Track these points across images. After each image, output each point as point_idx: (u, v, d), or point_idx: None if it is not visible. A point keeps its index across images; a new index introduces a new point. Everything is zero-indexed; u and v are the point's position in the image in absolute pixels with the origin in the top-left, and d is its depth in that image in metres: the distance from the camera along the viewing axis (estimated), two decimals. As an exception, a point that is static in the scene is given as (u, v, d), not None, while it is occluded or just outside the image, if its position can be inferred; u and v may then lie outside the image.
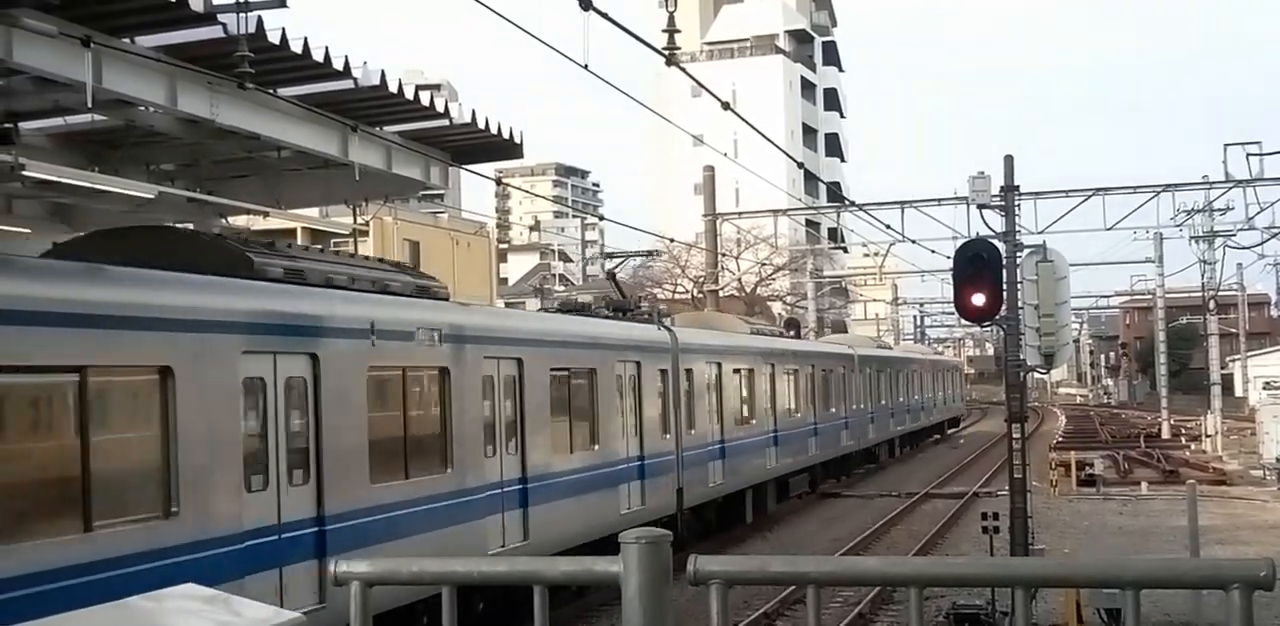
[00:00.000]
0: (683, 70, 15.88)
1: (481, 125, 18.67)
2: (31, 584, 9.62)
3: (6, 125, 13.84)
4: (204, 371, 11.61)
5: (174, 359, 11.25)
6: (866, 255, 68.65)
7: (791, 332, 41.57)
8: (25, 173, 13.42)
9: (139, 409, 11.28)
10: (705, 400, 25.60)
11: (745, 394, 28.82)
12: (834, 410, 37.42)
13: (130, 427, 11.25)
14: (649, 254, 51.43)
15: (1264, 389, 69.54)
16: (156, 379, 11.14)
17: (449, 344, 15.78)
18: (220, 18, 12.94)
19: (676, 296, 72.26)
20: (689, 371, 24.53)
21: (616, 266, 38.20)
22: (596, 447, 20.25)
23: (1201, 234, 52.63)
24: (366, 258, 17.43)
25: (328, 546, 13.07)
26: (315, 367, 13.16)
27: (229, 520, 11.80)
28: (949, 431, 66.90)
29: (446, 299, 17.15)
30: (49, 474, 10.36)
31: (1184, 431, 58.30)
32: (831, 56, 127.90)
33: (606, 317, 23.51)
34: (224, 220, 20.12)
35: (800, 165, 29.59)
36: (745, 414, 28.59)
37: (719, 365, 26.71)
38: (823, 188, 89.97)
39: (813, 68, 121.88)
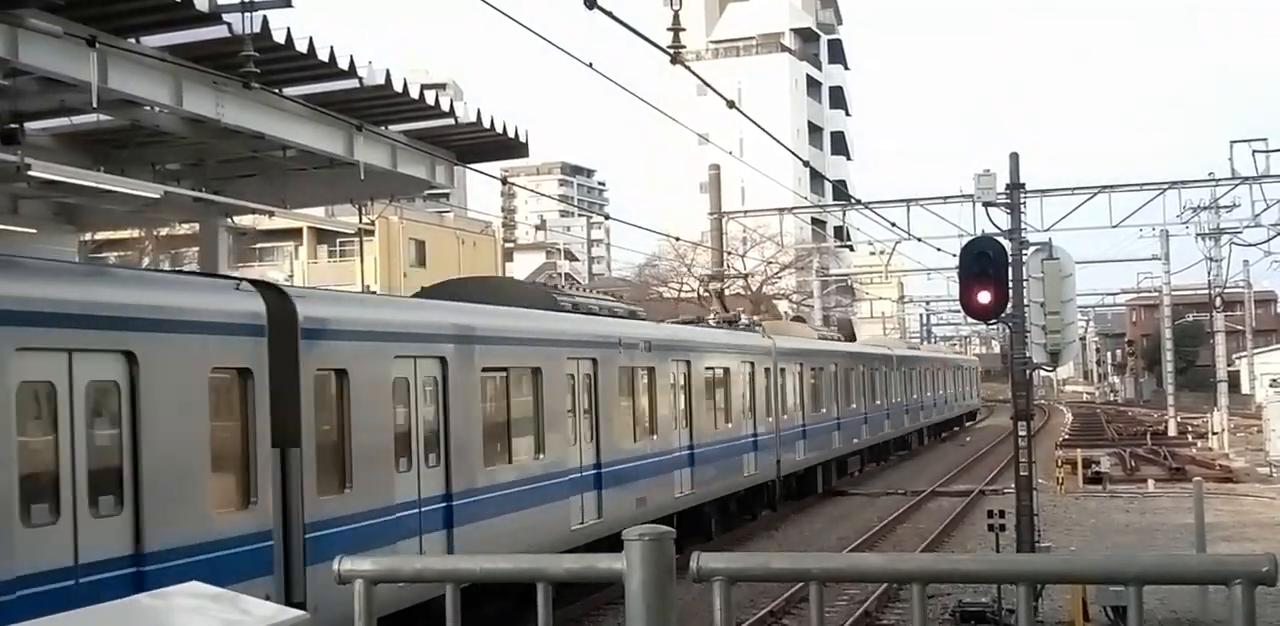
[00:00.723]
0: (688, 69, 15.87)
1: (487, 124, 18.68)
2: (500, 489, 16.85)
3: (12, 125, 13.86)
4: (553, 370, 18.72)
5: (542, 363, 18.43)
6: (872, 253, 68.77)
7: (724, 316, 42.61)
8: (31, 173, 13.43)
9: (526, 391, 18.25)
10: (794, 392, 32.61)
11: (819, 388, 35.53)
12: (879, 402, 43.63)
13: (524, 403, 18.25)
14: (745, 276, 56.51)
15: (1270, 386, 69.40)
16: (533, 374, 18.24)
17: (655, 351, 23.08)
18: (225, 17, 12.95)
19: (682, 295, 72.23)
20: (783, 370, 31.35)
21: (725, 285, 44.79)
22: (729, 426, 27.06)
23: (1208, 231, 52.62)
24: (590, 290, 25.94)
25: (603, 483, 20.41)
26: (595, 367, 20.29)
27: (562, 462, 18.97)
28: (967, 424, 71.38)
29: (645, 319, 25.32)
30: (502, 426, 17.64)
31: (1190, 429, 58.22)
32: (837, 54, 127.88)
33: (714, 328, 30.33)
34: (230, 220, 20.14)
35: (806, 163, 29.65)
36: (819, 404, 35.24)
37: (802, 364, 33.72)
38: (828, 186, 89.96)
39: (818, 66, 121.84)
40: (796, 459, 32.15)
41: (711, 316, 33.15)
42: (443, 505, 15.28)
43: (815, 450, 34.11)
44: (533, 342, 18.37)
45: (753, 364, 28.93)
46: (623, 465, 21.00)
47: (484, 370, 16.68)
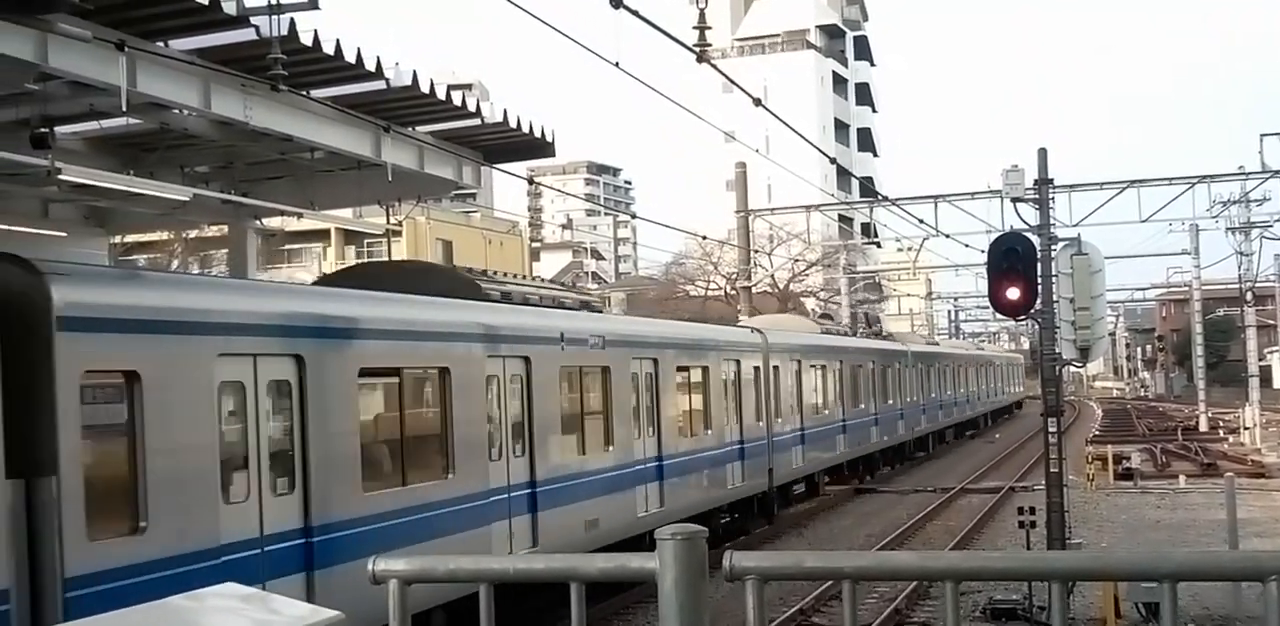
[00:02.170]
0: (714, 67, 15.89)
1: (513, 124, 18.70)
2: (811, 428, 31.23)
3: (43, 129, 13.94)
4: (835, 367, 34.12)
5: (845, 364, 35.13)
6: (900, 250, 68.41)
7: (868, 331, 46.75)
8: (61, 177, 13.53)
9: (821, 377, 32.93)
10: (922, 382, 46.20)
11: (934, 379, 48.86)
12: (963, 391, 58.33)
13: (820, 383, 32.86)
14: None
15: (1303, 381, 68.94)
16: (822, 369, 33.08)
17: (866, 356, 37.87)
18: (253, 20, 13.01)
19: (709, 293, 72.17)
20: (914, 367, 44.97)
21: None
22: (890, 402, 40.75)
23: (1238, 225, 52.21)
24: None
25: (847, 430, 34.34)
26: (840, 366, 33.89)
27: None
28: (1016, 411, 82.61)
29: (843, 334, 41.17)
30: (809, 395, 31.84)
31: (1222, 424, 57.90)
32: (863, 51, 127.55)
33: (867, 336, 44.29)
34: (258, 221, 20.23)
35: (832, 160, 29.56)
36: (934, 390, 49.32)
37: (922, 363, 47.07)
38: (855, 183, 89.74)
39: (844, 62, 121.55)
40: (922, 426, 46.31)
41: (859, 330, 44.87)
42: (799, 433, 29.68)
43: (929, 422, 47.71)
44: (836, 352, 34.12)
45: (899, 363, 42.77)
46: (857, 420, 35.50)
47: (810, 364, 31.15)
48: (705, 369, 23.80)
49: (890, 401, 40.93)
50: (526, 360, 16.40)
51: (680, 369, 22.67)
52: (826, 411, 33.01)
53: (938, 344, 61.47)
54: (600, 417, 19.14)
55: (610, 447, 19.23)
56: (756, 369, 26.76)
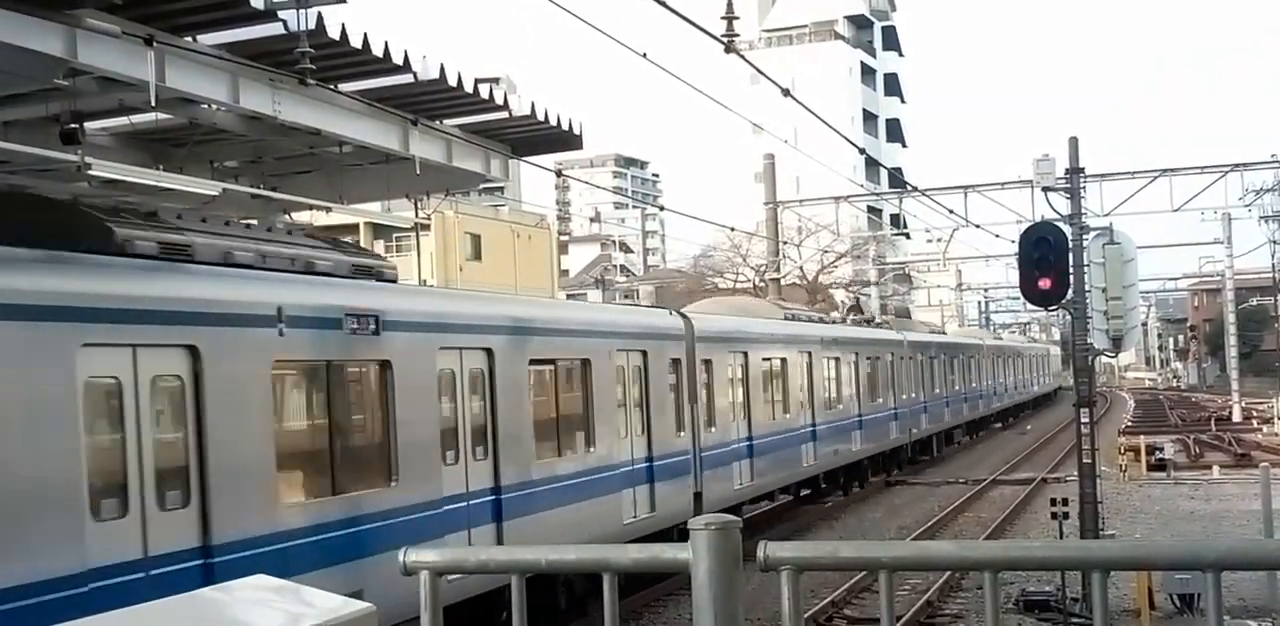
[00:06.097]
0: (742, 57, 15.81)
1: (541, 117, 18.67)
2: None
3: (72, 125, 13.98)
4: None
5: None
6: (929, 241, 68.18)
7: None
8: (91, 172, 13.57)
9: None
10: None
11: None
12: (1019, 378, 68.82)
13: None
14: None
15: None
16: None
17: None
18: (280, 14, 13.01)
19: (738, 285, 72.02)
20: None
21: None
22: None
23: (1271, 213, 51.92)
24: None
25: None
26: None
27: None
28: (1058, 393, 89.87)
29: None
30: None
31: (1255, 414, 57.54)
32: (891, 41, 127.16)
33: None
34: (288, 216, 20.26)
35: (861, 151, 29.43)
36: (1011, 375, 61.30)
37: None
38: (884, 174, 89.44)
39: (872, 53, 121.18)
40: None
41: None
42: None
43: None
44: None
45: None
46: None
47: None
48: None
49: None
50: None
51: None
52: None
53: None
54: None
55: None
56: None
